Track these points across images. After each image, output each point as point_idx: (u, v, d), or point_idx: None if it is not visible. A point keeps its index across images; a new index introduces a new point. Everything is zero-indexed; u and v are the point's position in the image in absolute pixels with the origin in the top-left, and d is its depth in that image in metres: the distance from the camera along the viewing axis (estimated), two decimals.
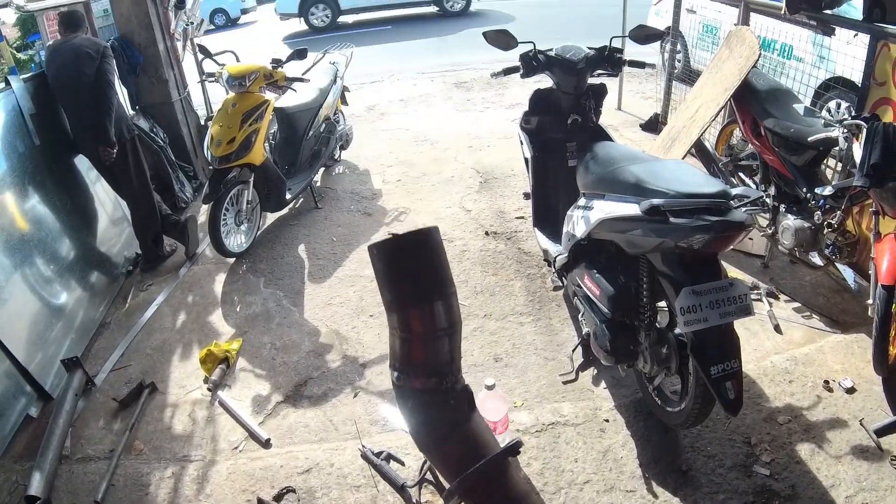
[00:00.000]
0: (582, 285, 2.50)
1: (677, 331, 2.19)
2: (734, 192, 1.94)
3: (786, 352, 2.93)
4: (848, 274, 3.32)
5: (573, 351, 2.78)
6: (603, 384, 2.80)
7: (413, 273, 0.59)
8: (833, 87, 4.28)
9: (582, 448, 2.45)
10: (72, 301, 3.41)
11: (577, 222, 2.49)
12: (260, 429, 2.66)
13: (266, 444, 2.61)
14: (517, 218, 4.38)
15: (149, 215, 3.97)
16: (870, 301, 2.68)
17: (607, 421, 2.57)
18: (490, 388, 2.20)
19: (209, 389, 2.92)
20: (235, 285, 3.82)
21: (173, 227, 4.09)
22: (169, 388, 3.01)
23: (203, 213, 4.65)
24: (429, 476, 2.19)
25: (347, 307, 3.52)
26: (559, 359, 2.97)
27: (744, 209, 1.90)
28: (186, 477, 2.50)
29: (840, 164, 3.28)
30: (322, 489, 2.36)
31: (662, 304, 2.29)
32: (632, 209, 2.02)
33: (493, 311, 3.39)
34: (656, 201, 1.89)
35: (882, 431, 2.50)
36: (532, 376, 2.89)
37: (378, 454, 2.33)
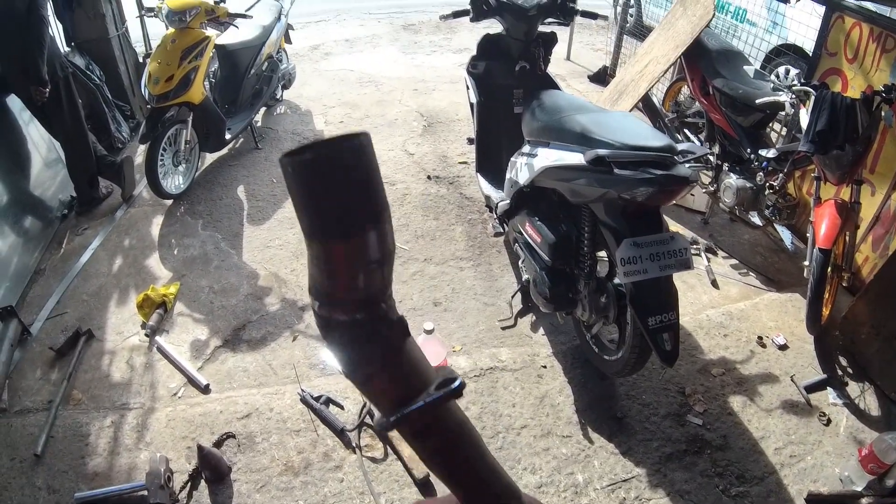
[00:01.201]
0: (523, 232, 2.50)
1: (616, 281, 2.22)
2: (680, 147, 1.95)
3: (722, 307, 3.03)
4: (786, 235, 3.44)
5: (512, 297, 2.82)
6: (541, 331, 2.85)
7: (338, 195, 0.47)
8: (784, 53, 4.35)
9: (520, 393, 2.50)
10: (5, 247, 3.22)
11: (521, 169, 2.48)
12: (199, 374, 2.62)
13: (205, 389, 2.57)
14: (460, 163, 4.37)
15: (84, 156, 3.76)
16: (806, 262, 2.78)
17: (545, 367, 2.63)
18: (429, 332, 2.21)
19: (147, 335, 2.85)
20: (173, 228, 3.69)
21: (109, 168, 3.89)
22: (106, 334, 2.92)
23: (140, 153, 4.41)
24: (368, 420, 2.20)
25: (287, 249, 3.46)
26: (498, 305, 3.01)
27: (688, 165, 1.92)
28: (126, 425, 2.45)
29: (785, 129, 3.36)
30: (262, 434, 2.35)
31: (603, 254, 2.32)
32: (577, 158, 2.01)
33: (434, 256, 3.39)
34: (602, 152, 1.89)
35: (811, 388, 2.62)
36: (471, 321, 2.92)
37: (317, 398, 2.32)
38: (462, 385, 0.57)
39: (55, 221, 3.79)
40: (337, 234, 0.57)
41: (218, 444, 2.36)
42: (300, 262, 3.35)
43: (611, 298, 2.23)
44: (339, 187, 0.54)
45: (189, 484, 2.24)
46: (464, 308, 3.02)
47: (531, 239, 2.43)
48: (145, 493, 2.17)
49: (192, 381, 2.61)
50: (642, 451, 2.33)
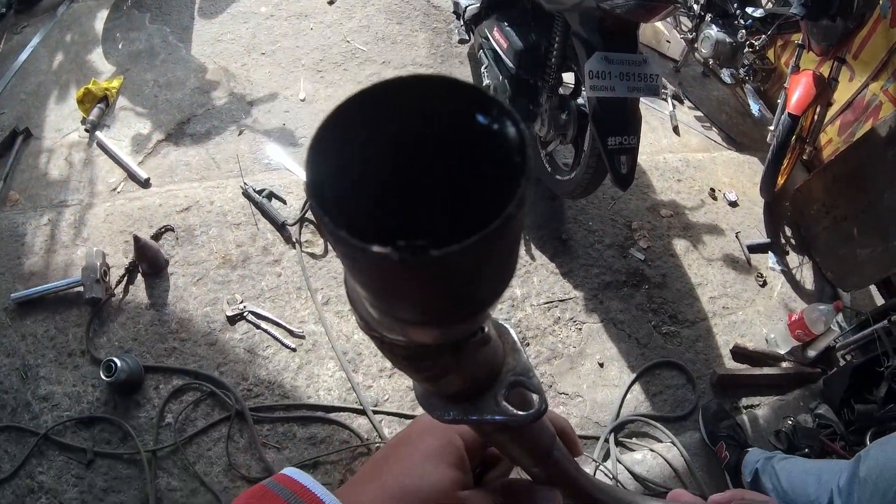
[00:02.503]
0: (490, 37, 2.37)
1: (580, 101, 2.14)
2: None
3: (680, 153, 3.00)
4: (754, 100, 3.37)
5: None
6: None
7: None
8: None
9: None
10: None
11: None
12: (139, 168, 2.51)
13: (145, 183, 2.48)
14: None
15: None
16: (771, 127, 2.75)
17: None
18: None
19: (87, 131, 2.70)
20: (118, 22, 3.38)
21: None
22: (44, 132, 2.77)
23: None
24: (309, 216, 2.12)
25: (238, 44, 3.22)
26: None
27: None
28: (63, 223, 2.38)
29: None
30: (201, 227, 2.28)
31: (569, 79, 2.21)
32: None
33: (393, 60, 3.22)
34: None
35: (754, 249, 2.64)
36: None
37: (260, 192, 2.23)
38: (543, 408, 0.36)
39: None
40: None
41: (156, 237, 2.29)
42: (252, 56, 3.14)
43: (572, 116, 2.16)
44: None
45: (125, 277, 2.20)
46: None
47: (498, 45, 2.30)
48: (81, 288, 2.12)
49: (132, 176, 2.51)
50: (582, 276, 2.32)
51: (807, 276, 2.73)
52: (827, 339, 2.40)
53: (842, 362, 2.43)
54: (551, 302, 2.24)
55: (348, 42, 3.21)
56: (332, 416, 1.99)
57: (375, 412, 2.01)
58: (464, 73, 3.15)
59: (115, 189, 2.48)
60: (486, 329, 0.30)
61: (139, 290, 2.20)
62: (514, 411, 0.33)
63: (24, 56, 3.20)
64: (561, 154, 2.46)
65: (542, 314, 2.20)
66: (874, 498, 1.44)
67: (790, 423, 2.14)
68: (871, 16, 2.55)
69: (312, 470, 1.90)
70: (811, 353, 2.42)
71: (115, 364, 1.88)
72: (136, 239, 2.12)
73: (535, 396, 0.34)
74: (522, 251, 2.33)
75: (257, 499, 0.39)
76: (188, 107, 2.84)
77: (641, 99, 2.07)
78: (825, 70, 2.73)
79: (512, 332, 0.38)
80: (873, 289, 2.77)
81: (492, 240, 0.20)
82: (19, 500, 1.81)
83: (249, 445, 1.92)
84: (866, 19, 2.52)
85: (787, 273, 2.69)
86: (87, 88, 2.77)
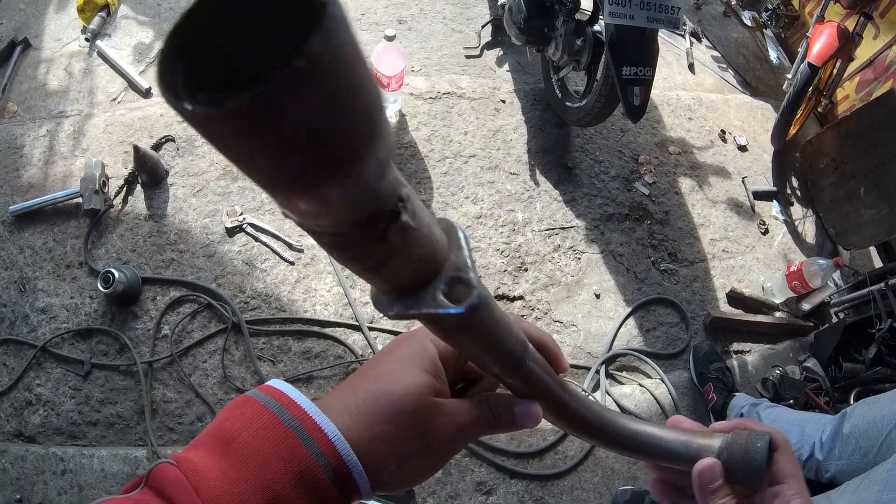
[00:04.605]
0: None
1: (597, 28, 2.08)
2: None
3: (693, 91, 2.95)
4: (773, 45, 3.29)
5: (482, 27, 2.65)
6: (506, 66, 2.72)
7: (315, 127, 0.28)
8: None
9: (473, 123, 2.41)
10: None
11: None
12: (140, 78, 2.47)
13: (146, 93, 2.44)
14: None
15: None
16: (789, 76, 2.68)
17: (504, 102, 2.53)
18: (390, 38, 2.03)
19: (87, 40, 2.63)
20: None
21: None
22: (44, 42, 2.70)
23: None
24: None
25: None
26: (466, 32, 2.83)
27: None
28: (62, 133, 2.34)
29: None
30: (202, 138, 2.24)
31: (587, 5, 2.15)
32: None
33: None
34: None
35: (759, 196, 2.62)
36: (435, 44, 2.76)
37: None
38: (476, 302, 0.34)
39: None
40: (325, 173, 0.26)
41: (156, 147, 2.26)
42: None
43: (587, 43, 2.10)
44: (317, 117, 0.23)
45: (125, 188, 2.18)
46: (429, 30, 2.82)
47: None
48: (79, 199, 2.10)
49: (132, 86, 2.47)
50: (585, 205, 2.31)
51: (808, 229, 2.72)
52: (822, 294, 2.41)
53: (834, 319, 2.44)
54: (552, 229, 2.23)
55: None
56: (328, 331, 2.00)
57: (371, 328, 2.02)
58: None
59: (115, 99, 2.44)
60: (404, 218, 0.30)
61: (138, 201, 2.19)
62: (448, 304, 0.34)
63: None
64: (573, 81, 2.41)
65: (542, 240, 2.19)
66: (855, 455, 1.46)
67: (778, 372, 2.16)
68: None
69: (306, 384, 1.93)
70: (805, 306, 2.44)
71: (113, 275, 1.88)
72: (136, 149, 2.09)
73: (473, 292, 0.34)
74: (527, 176, 2.31)
75: (240, 406, 0.41)
76: None
77: (660, 31, 2.02)
78: (850, 24, 2.66)
79: (460, 231, 0.37)
80: (873, 250, 2.77)
81: (299, 76, 0.19)
82: (17, 413, 1.84)
83: (245, 358, 1.94)
84: None
85: (790, 224, 2.68)
86: None
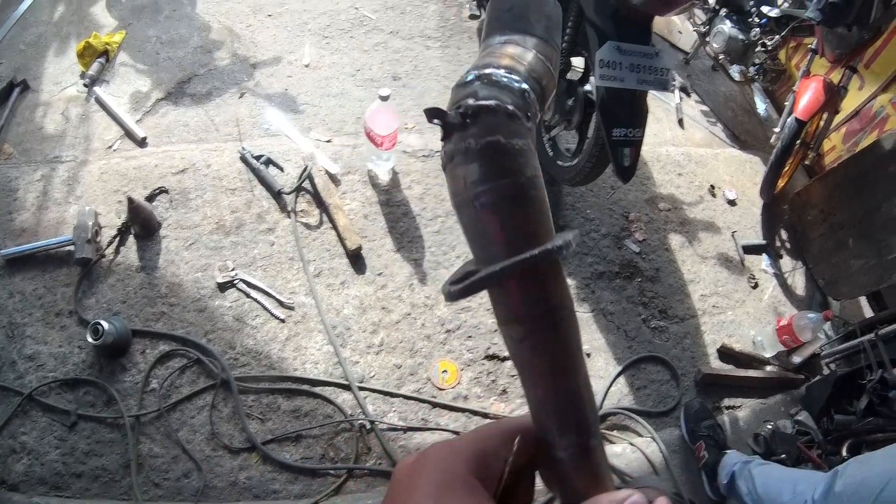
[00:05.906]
0: None
1: (587, 87, 2.12)
2: None
3: (683, 147, 2.99)
4: (761, 100, 3.35)
5: None
6: None
7: None
8: None
9: None
10: None
11: None
12: (137, 127, 2.48)
13: (142, 142, 2.45)
14: None
15: None
16: (777, 129, 2.73)
17: None
18: (384, 98, 2.05)
19: (85, 85, 2.65)
20: None
21: None
22: (42, 85, 2.71)
23: None
24: (307, 185, 2.10)
25: (245, 4, 3.15)
26: None
27: None
28: (56, 179, 2.35)
29: None
30: (196, 190, 2.26)
31: (579, 64, 2.17)
32: None
33: (401, 30, 3.16)
34: None
35: (749, 250, 2.65)
36: (429, 101, 2.78)
37: (258, 157, 2.20)
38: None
39: None
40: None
41: (150, 198, 2.27)
42: (258, 18, 3.08)
43: (578, 103, 2.14)
44: None
45: (117, 238, 2.18)
46: (424, 87, 2.86)
47: None
48: (72, 247, 2.10)
49: (129, 134, 2.48)
50: (576, 264, 2.33)
51: (798, 282, 2.73)
52: (813, 346, 2.42)
53: (826, 371, 2.44)
54: None
55: (357, 9, 3.14)
56: (318, 389, 1.99)
57: (361, 388, 2.01)
58: (471, 50, 3.10)
59: (110, 147, 2.45)
60: None
61: (130, 252, 2.18)
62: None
63: (24, 5, 3.13)
64: (564, 139, 2.43)
65: None
66: None
67: (769, 427, 2.15)
68: (888, 28, 2.51)
69: (294, 443, 1.91)
70: (796, 359, 2.44)
71: (103, 327, 1.87)
72: (130, 200, 2.10)
73: None
74: None
75: None
76: (190, 66, 2.78)
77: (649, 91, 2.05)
78: (836, 77, 2.70)
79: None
80: (863, 300, 2.78)
81: None
82: (1, 460, 1.81)
83: (233, 415, 1.92)
84: (882, 31, 2.48)
85: (780, 277, 2.69)
86: (88, 42, 2.71)
